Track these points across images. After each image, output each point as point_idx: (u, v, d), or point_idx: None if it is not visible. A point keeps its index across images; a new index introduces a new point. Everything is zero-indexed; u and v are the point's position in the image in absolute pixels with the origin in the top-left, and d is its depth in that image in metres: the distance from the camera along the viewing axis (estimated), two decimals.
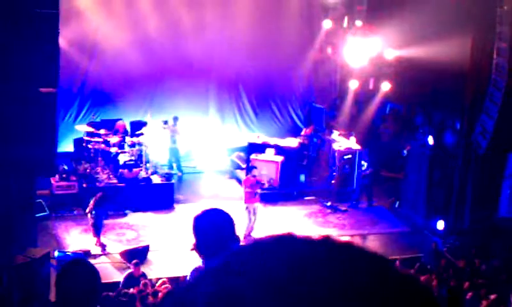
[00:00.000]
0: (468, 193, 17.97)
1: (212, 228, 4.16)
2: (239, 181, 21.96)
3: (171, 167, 21.94)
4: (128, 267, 15.15)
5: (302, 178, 21.37)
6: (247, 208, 17.62)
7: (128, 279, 14.39)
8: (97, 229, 16.71)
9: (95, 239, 16.74)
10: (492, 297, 13.53)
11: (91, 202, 16.70)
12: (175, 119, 21.59)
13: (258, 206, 17.88)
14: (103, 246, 16.71)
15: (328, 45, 24.28)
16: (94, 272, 3.97)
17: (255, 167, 18.30)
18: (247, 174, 18.40)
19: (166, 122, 21.48)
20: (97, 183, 18.98)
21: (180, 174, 22.04)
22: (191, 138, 22.52)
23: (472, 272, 15.25)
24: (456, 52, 17.29)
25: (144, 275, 14.67)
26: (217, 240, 4.10)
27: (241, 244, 16.60)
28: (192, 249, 4.31)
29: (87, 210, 16.77)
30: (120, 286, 14.07)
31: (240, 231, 17.10)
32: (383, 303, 1.16)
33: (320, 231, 18.64)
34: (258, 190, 17.82)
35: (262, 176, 18.41)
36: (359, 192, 20.74)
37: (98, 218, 16.65)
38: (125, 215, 18.73)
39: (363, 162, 20.67)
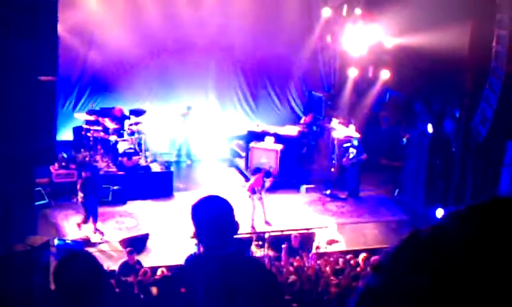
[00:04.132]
0: (468, 181, 17.97)
1: (211, 215, 4.13)
2: (239, 169, 22.00)
3: (179, 155, 22.09)
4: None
5: (302, 189, 20.87)
6: (250, 196, 17.78)
7: (123, 267, 14.39)
8: (90, 215, 16.75)
9: (92, 226, 16.78)
10: None
11: (78, 189, 16.82)
12: (189, 108, 21.90)
13: (263, 195, 18.07)
14: (100, 232, 16.71)
15: (327, 33, 24.23)
16: (95, 265, 3.91)
17: (270, 176, 18.30)
18: (264, 176, 18.30)
19: (189, 108, 22.16)
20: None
21: (189, 162, 22.18)
22: (192, 126, 22.54)
23: None
24: (456, 39, 17.26)
25: (139, 262, 14.67)
26: (216, 227, 4.08)
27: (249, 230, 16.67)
28: (192, 237, 4.29)
29: (79, 200, 16.89)
30: (116, 274, 14.07)
31: (246, 218, 17.31)
32: None
33: (319, 219, 18.68)
34: (262, 193, 18.01)
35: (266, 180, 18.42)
36: (358, 180, 20.73)
37: (87, 202, 16.70)
38: (112, 194, 18.71)
39: (351, 150, 20.57)
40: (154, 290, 12.98)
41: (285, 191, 20.23)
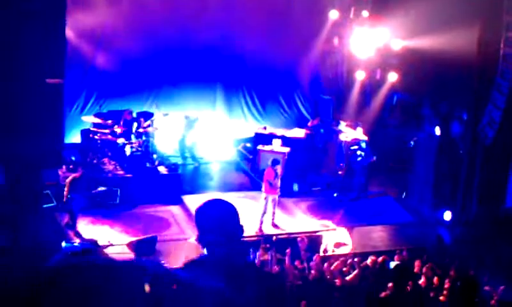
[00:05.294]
0: (475, 184, 17.94)
1: (214, 219, 4.14)
2: (246, 172, 21.99)
3: (184, 158, 22.10)
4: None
5: (295, 187, 20.70)
6: (265, 198, 17.74)
7: None
8: (73, 216, 16.73)
9: (71, 226, 16.74)
10: (501, 288, 13.56)
11: (65, 187, 16.77)
12: (195, 119, 22.21)
13: (276, 197, 17.90)
14: (79, 235, 16.64)
15: (335, 35, 24.20)
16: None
17: (279, 163, 18.18)
18: (272, 165, 18.11)
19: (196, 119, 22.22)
20: (104, 174, 19.03)
21: (196, 164, 22.18)
22: (198, 130, 22.52)
23: (478, 264, 15.23)
24: (463, 42, 17.23)
25: None
26: (219, 231, 4.08)
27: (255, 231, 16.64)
28: (195, 241, 4.28)
29: (64, 199, 16.86)
30: None
31: (255, 220, 17.29)
32: None
33: (327, 222, 18.65)
34: (278, 183, 17.86)
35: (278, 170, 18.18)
36: (366, 183, 20.70)
37: (72, 203, 16.68)
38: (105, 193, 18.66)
39: (359, 153, 20.53)
40: (147, 287, 12.95)
41: (293, 193, 20.20)
